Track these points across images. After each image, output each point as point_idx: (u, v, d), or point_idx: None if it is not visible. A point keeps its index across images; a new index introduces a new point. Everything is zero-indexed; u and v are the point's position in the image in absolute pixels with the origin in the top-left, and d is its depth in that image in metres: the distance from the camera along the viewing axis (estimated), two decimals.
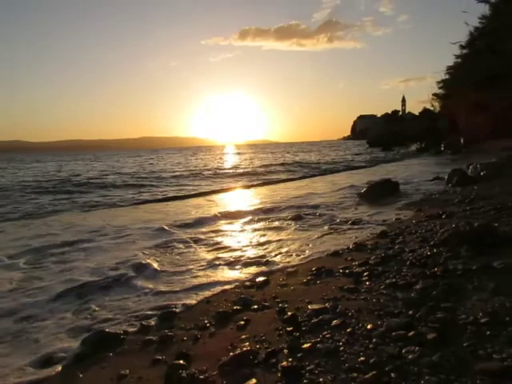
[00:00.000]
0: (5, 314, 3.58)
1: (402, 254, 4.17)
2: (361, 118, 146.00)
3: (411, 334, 2.38)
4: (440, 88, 36.77)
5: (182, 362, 2.46)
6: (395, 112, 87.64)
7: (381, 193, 9.27)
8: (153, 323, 3.21)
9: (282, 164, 28.05)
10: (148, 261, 4.96)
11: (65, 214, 10.18)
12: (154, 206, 11.21)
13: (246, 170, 23.96)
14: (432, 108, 42.75)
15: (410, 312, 2.70)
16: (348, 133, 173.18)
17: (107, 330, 3.01)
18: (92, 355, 2.72)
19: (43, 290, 4.14)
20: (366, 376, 2.02)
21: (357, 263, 4.08)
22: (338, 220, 6.95)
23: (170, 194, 13.79)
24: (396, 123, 61.99)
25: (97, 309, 3.62)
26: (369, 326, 2.57)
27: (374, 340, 2.39)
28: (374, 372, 2.03)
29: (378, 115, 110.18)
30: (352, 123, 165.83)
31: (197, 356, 2.56)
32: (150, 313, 3.43)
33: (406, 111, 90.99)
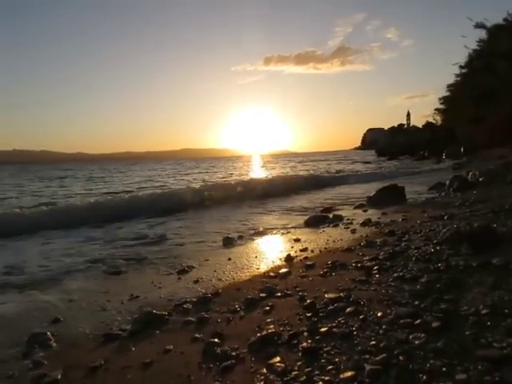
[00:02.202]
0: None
1: (408, 251, 4.04)
2: (370, 130, 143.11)
3: (417, 322, 2.30)
4: (441, 103, 35.81)
5: (216, 340, 2.47)
6: (401, 125, 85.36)
7: (388, 197, 9.03)
8: (191, 306, 3.24)
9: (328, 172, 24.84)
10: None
11: None
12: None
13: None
14: (434, 121, 41.64)
15: (416, 302, 2.61)
16: (358, 144, 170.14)
17: (154, 311, 3.06)
18: (142, 332, 2.78)
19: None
20: (377, 358, 1.96)
21: (367, 258, 3.98)
22: (352, 220, 6.84)
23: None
24: (401, 135, 60.48)
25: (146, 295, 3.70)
26: (379, 314, 2.51)
27: (384, 326, 2.32)
28: (384, 354, 1.97)
29: (386, 128, 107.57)
30: (362, 135, 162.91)
31: (229, 335, 2.57)
32: (188, 297, 3.45)
33: (411, 124, 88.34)
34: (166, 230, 7.13)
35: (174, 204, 10.37)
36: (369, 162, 38.30)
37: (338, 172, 24.23)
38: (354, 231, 5.86)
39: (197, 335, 2.62)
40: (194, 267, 4.51)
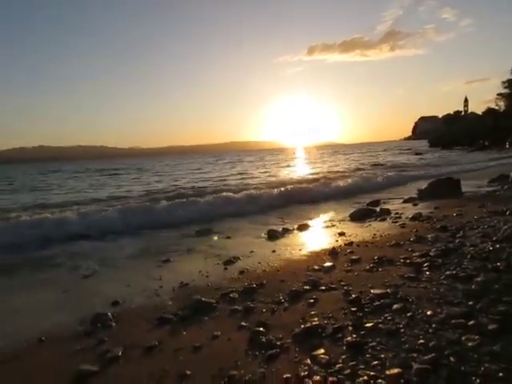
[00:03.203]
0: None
1: (462, 248, 3.81)
2: (422, 119, 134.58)
3: (471, 323, 2.19)
4: (505, 87, 32.47)
5: (261, 329, 2.55)
6: (457, 112, 79.13)
7: (442, 190, 8.50)
8: (237, 296, 3.36)
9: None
10: None
11: None
12: None
13: None
14: (497, 107, 37.93)
15: (470, 303, 2.48)
16: (409, 133, 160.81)
17: (203, 298, 3.22)
18: (192, 318, 2.95)
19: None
20: (426, 357, 1.92)
21: (417, 254, 3.83)
22: (400, 214, 6.57)
23: None
24: (458, 123, 56.01)
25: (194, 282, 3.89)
26: (428, 313, 2.42)
27: (434, 325, 2.24)
28: (434, 354, 1.92)
29: (440, 116, 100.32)
30: (413, 124, 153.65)
31: (274, 325, 2.64)
32: (234, 287, 3.57)
33: (469, 111, 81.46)
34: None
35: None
36: (420, 154, 36.06)
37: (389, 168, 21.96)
38: (402, 226, 5.63)
39: (243, 323, 2.72)
40: (239, 258, 4.65)
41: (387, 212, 6.90)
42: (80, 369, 2.26)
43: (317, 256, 4.42)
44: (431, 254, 3.76)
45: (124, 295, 3.64)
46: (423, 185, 9.10)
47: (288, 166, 31.03)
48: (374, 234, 5.27)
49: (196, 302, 3.17)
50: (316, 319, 2.63)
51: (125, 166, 48.84)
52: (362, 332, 2.32)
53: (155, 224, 7.42)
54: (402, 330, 2.25)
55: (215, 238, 6.17)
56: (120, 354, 2.45)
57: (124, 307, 3.36)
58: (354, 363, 2.00)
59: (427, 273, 3.25)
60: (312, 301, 3.00)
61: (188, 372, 2.13)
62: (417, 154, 36.06)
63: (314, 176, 17.60)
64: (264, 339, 2.41)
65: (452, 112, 79.92)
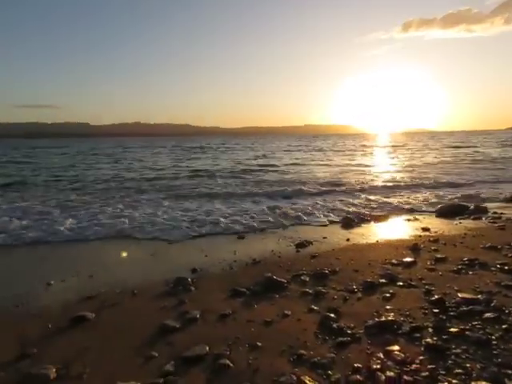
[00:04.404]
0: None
1: None
2: None
3: None
4: None
5: (332, 315, 2.53)
6: None
7: None
8: (308, 279, 3.36)
9: None
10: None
11: None
12: None
13: None
14: None
15: None
16: None
17: (274, 277, 3.30)
18: (263, 294, 3.05)
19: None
20: None
21: None
22: (500, 214, 5.78)
23: None
24: None
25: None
26: None
27: None
28: None
29: None
30: None
31: (345, 313, 2.59)
32: (305, 270, 3.57)
33: None
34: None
35: None
36: None
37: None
38: (502, 227, 4.95)
39: (313, 307, 2.73)
40: (311, 243, 4.63)
41: (483, 210, 6.12)
42: (164, 323, 2.54)
43: (396, 250, 4.17)
44: None
45: (202, 264, 3.93)
46: None
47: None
48: (465, 234, 4.75)
49: (268, 279, 3.26)
50: (392, 314, 2.50)
51: (234, 144, 49.60)
52: (444, 336, 2.15)
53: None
54: (495, 342, 2.02)
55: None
56: (198, 316, 2.67)
57: (201, 275, 3.63)
58: (432, 367, 1.86)
59: None
60: (388, 295, 2.85)
61: (259, 343, 2.23)
62: None
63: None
64: (335, 325, 2.39)
65: None
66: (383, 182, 10.69)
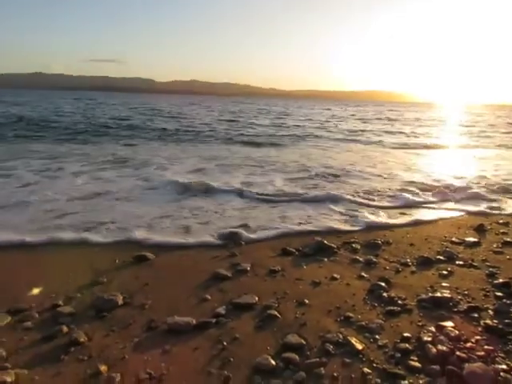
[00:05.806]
0: None
1: None
2: None
3: None
4: None
5: (383, 284, 2.49)
6: None
7: None
8: (359, 247, 3.30)
9: None
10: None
11: None
12: None
13: None
14: None
15: None
16: None
17: (325, 241, 3.30)
18: (313, 256, 3.07)
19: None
20: None
21: None
22: None
23: None
24: None
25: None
26: None
27: None
28: None
29: None
30: None
31: (396, 284, 2.54)
32: (357, 239, 3.50)
33: None
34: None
35: None
36: None
37: None
38: None
39: (363, 274, 2.70)
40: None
41: None
42: (217, 271, 2.69)
43: (458, 228, 3.90)
44: None
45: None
46: None
47: None
48: None
49: (318, 243, 3.27)
50: (448, 292, 2.40)
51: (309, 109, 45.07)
52: (506, 320, 2.02)
53: None
54: None
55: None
56: (248, 268, 2.78)
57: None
58: (490, 348, 1.78)
59: None
60: (445, 272, 2.73)
61: (306, 301, 2.28)
62: None
63: None
64: (385, 294, 2.35)
65: None
66: None
